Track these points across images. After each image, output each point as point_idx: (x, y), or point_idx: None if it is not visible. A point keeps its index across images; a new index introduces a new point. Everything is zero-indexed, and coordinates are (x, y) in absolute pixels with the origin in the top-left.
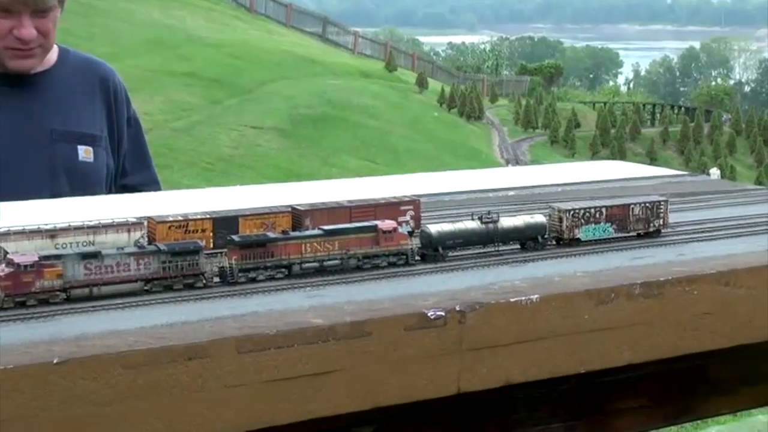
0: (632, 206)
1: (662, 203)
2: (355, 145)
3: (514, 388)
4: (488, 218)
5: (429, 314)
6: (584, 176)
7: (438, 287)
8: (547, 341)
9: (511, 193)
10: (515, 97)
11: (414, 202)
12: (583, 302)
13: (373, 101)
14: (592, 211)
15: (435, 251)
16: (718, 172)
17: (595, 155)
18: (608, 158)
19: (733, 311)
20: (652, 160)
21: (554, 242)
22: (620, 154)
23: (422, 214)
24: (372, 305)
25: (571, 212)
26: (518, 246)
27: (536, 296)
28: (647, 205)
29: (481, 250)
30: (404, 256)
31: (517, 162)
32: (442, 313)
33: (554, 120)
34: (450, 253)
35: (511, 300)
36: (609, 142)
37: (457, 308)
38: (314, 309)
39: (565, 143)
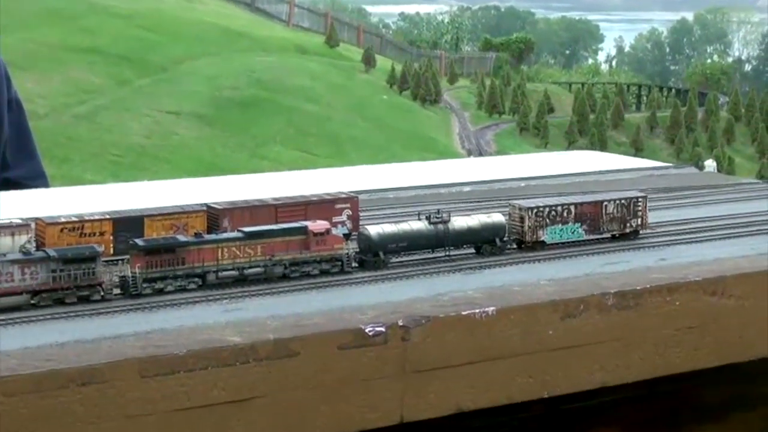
0: (606, 204)
1: (641, 200)
2: (289, 134)
3: (466, 417)
4: (438, 218)
5: (367, 330)
6: (554, 169)
7: (378, 299)
8: (506, 361)
9: (467, 188)
10: (478, 76)
11: (352, 200)
12: (547, 315)
13: (311, 82)
14: (559, 209)
15: (375, 257)
16: (714, 164)
17: (571, 145)
18: (587, 148)
19: (722, 325)
20: (638, 150)
21: (515, 246)
22: (600, 144)
23: (362, 214)
24: (300, 320)
25: (535, 211)
26: (473, 250)
27: (492, 309)
28: (623, 202)
29: (430, 256)
30: (339, 263)
31: (481, 153)
32: (383, 329)
33: (524, 104)
34: (393, 259)
35: (464, 313)
36: (588, 130)
37: (400, 323)
38: (232, 325)
39: (536, 131)
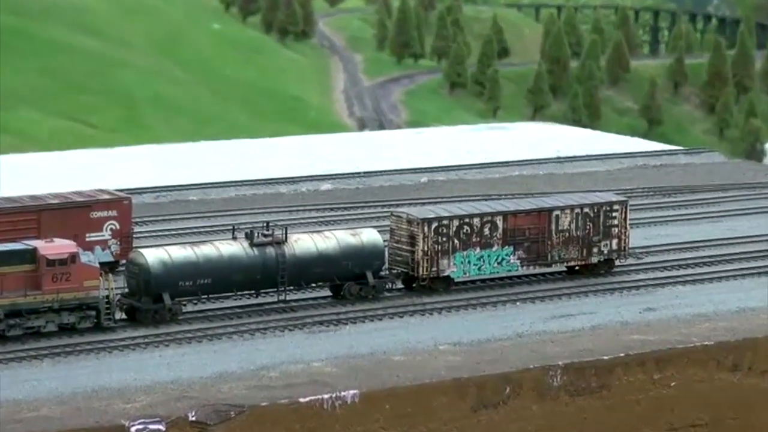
0: (557, 214)
1: (617, 208)
2: (46, 87)
3: None
4: (266, 236)
5: (132, 429)
6: (485, 152)
7: (157, 374)
8: None
9: (325, 185)
10: None
11: (120, 203)
12: (448, 404)
13: (93, 0)
14: (476, 222)
15: (156, 302)
16: None
17: (538, 112)
18: (564, 119)
19: (751, 422)
20: (653, 122)
21: (399, 285)
22: (589, 111)
23: (138, 228)
24: (18, 412)
25: (435, 225)
26: (328, 292)
27: (353, 393)
28: (587, 211)
29: (251, 301)
30: (93, 313)
31: (381, 125)
32: (161, 427)
33: (458, 41)
34: (187, 306)
35: (304, 400)
36: (565, 87)
37: (192, 417)
38: None
39: (479, 87)
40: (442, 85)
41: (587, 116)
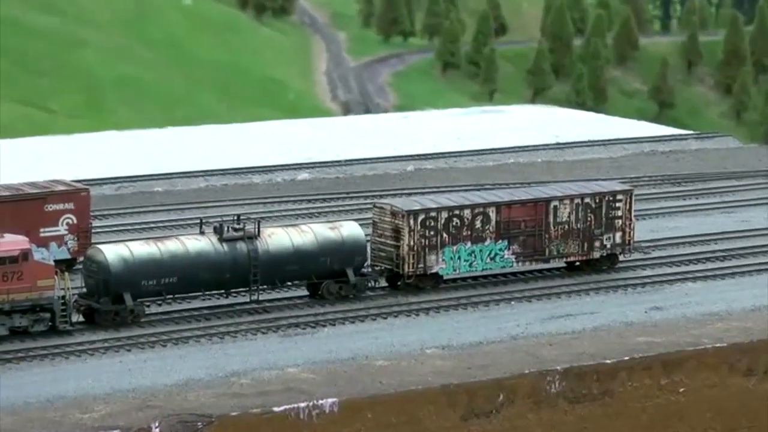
0: (554, 204)
1: (621, 198)
2: (3, 72)
3: None
4: (237, 230)
5: None
6: (477, 138)
7: (118, 381)
8: None
9: (302, 175)
10: None
11: (77, 195)
12: (435, 414)
13: None
14: (467, 213)
15: (117, 303)
16: None
17: (539, 95)
18: (566, 99)
19: (766, 429)
20: (664, 104)
21: (383, 283)
22: (595, 93)
23: (98, 222)
24: None
25: (422, 216)
26: (305, 292)
27: (332, 401)
28: (589, 202)
29: (220, 302)
30: (48, 315)
31: (367, 109)
32: None
33: (451, 17)
34: (151, 307)
35: (278, 409)
36: (568, 67)
37: (156, 427)
38: None
39: (474, 68)
40: (433, 65)
41: (592, 99)
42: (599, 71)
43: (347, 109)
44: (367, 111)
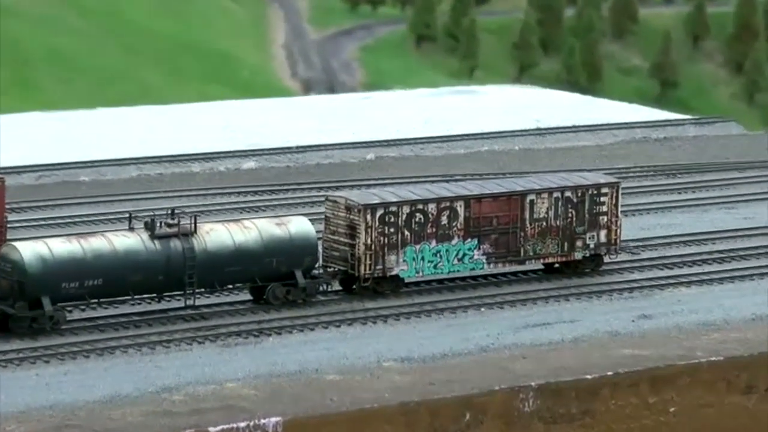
0: (531, 198)
1: (606, 191)
2: None
3: None
4: (171, 225)
5: None
6: (447, 122)
7: (34, 398)
8: None
9: (248, 164)
10: None
11: None
12: None
13: None
14: (432, 208)
15: (34, 308)
16: None
17: (525, 72)
18: (556, 78)
19: None
20: (666, 83)
21: (336, 286)
22: (588, 70)
23: (13, 216)
24: None
25: (380, 211)
26: (248, 296)
27: (275, 420)
28: (571, 195)
29: (153, 307)
30: None
31: (332, 87)
32: None
33: None
34: (73, 313)
35: (216, 429)
36: (559, 41)
37: None
38: None
39: (452, 42)
40: (406, 38)
41: (585, 77)
42: (593, 46)
43: (308, 88)
44: (332, 90)
